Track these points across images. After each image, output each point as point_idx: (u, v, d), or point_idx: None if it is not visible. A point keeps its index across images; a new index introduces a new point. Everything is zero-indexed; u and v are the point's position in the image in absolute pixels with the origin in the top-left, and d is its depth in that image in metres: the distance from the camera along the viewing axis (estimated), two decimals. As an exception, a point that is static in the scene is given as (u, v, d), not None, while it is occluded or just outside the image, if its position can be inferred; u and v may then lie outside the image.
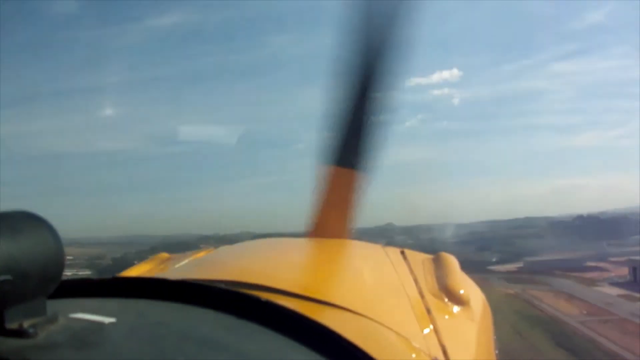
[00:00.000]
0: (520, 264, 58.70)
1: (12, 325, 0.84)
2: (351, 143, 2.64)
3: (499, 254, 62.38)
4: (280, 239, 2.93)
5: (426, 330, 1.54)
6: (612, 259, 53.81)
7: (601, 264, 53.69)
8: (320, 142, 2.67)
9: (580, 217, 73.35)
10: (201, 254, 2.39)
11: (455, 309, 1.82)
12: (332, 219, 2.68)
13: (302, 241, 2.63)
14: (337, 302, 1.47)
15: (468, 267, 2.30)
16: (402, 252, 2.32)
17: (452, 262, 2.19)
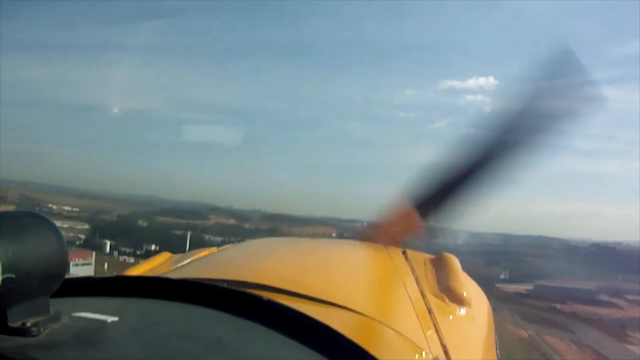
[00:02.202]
0: (529, 286, 56.90)
1: (15, 323, 0.85)
2: (439, 198, 2.56)
3: (508, 272, 60.68)
4: (281, 238, 2.99)
5: (427, 330, 1.53)
6: (629, 297, 51.34)
7: (615, 300, 51.31)
8: (413, 181, 2.63)
9: (596, 245, 71.47)
10: (203, 253, 2.36)
11: (457, 309, 1.82)
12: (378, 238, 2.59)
13: (303, 241, 2.67)
14: (339, 302, 1.46)
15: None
16: (404, 252, 2.32)
17: (454, 262, 2.16)
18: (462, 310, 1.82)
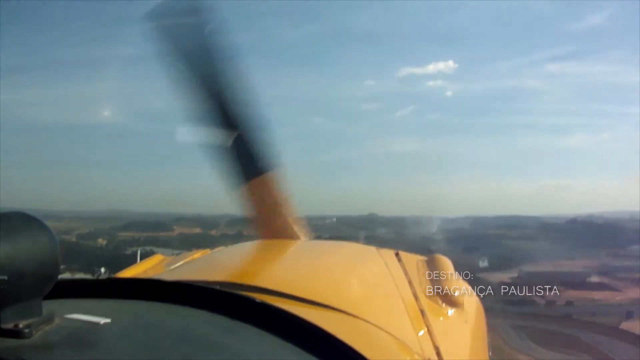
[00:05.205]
0: (514, 274, 54.23)
1: (7, 325, 0.86)
2: (243, 155, 2.55)
3: (488, 258, 58.18)
4: (274, 241, 2.96)
5: (420, 332, 1.54)
6: (620, 275, 48.96)
7: (607, 280, 48.77)
8: (218, 171, 2.63)
9: (572, 221, 69.81)
10: (196, 256, 2.38)
11: (449, 310, 1.85)
12: (273, 225, 2.66)
13: (296, 243, 2.63)
14: (332, 304, 1.47)
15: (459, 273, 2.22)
16: (397, 254, 2.31)
17: (446, 264, 2.19)
18: (455, 312, 1.85)
